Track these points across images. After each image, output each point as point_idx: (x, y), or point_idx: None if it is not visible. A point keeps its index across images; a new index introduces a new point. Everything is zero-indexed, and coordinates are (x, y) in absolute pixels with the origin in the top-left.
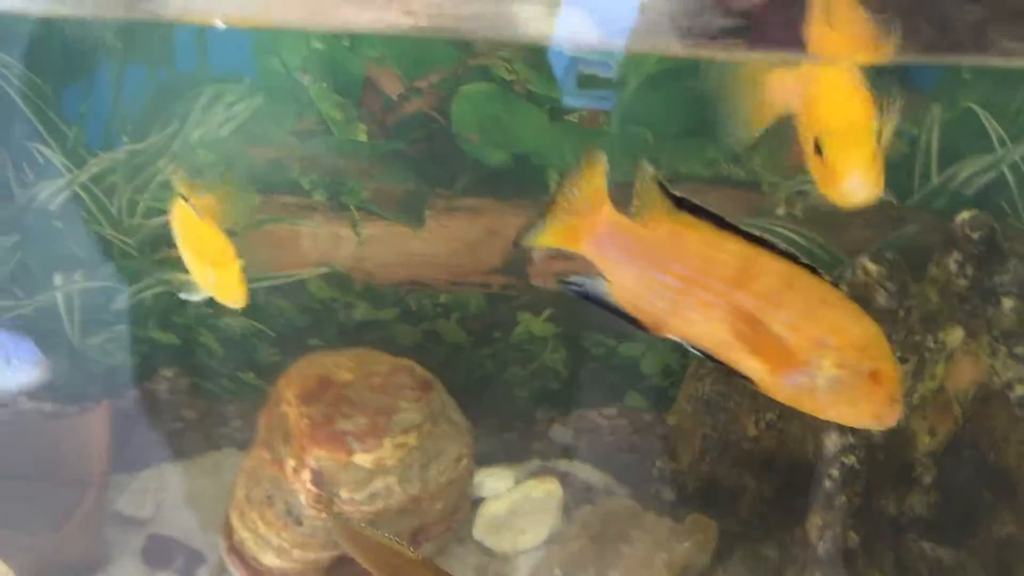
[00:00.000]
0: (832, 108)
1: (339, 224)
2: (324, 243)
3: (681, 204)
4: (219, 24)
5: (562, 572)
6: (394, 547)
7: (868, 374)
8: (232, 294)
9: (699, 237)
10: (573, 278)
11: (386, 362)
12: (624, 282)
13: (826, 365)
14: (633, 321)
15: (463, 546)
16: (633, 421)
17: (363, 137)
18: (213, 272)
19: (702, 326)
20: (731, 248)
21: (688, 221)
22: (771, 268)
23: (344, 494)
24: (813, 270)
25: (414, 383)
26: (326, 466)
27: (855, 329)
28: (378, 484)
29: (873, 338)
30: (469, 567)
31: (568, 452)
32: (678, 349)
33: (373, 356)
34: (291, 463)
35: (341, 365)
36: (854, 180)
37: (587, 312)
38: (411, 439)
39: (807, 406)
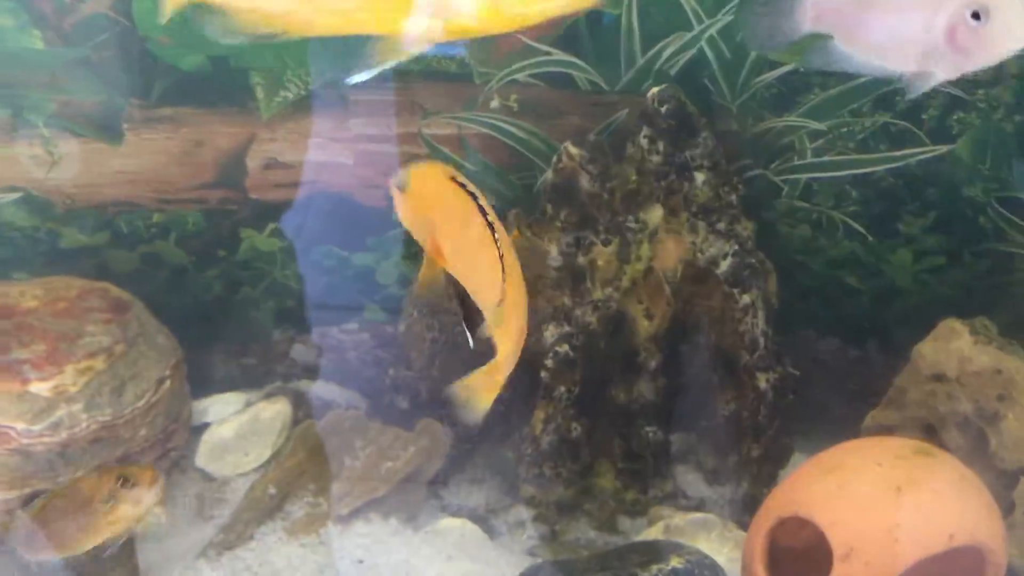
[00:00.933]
0: None
1: (28, 143)
2: (14, 165)
3: None
4: None
5: (276, 490)
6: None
7: None
8: None
9: None
10: None
11: (77, 287)
12: None
13: None
14: None
15: (184, 475)
16: (375, 334)
17: (39, 44)
18: None
19: None
20: None
21: None
22: None
23: (20, 425)
24: None
25: (106, 305)
26: None
27: None
28: (60, 412)
29: None
30: (190, 495)
31: (311, 372)
32: (410, 256)
33: (64, 282)
34: None
35: (27, 293)
36: None
37: (315, 224)
38: (98, 363)
39: None
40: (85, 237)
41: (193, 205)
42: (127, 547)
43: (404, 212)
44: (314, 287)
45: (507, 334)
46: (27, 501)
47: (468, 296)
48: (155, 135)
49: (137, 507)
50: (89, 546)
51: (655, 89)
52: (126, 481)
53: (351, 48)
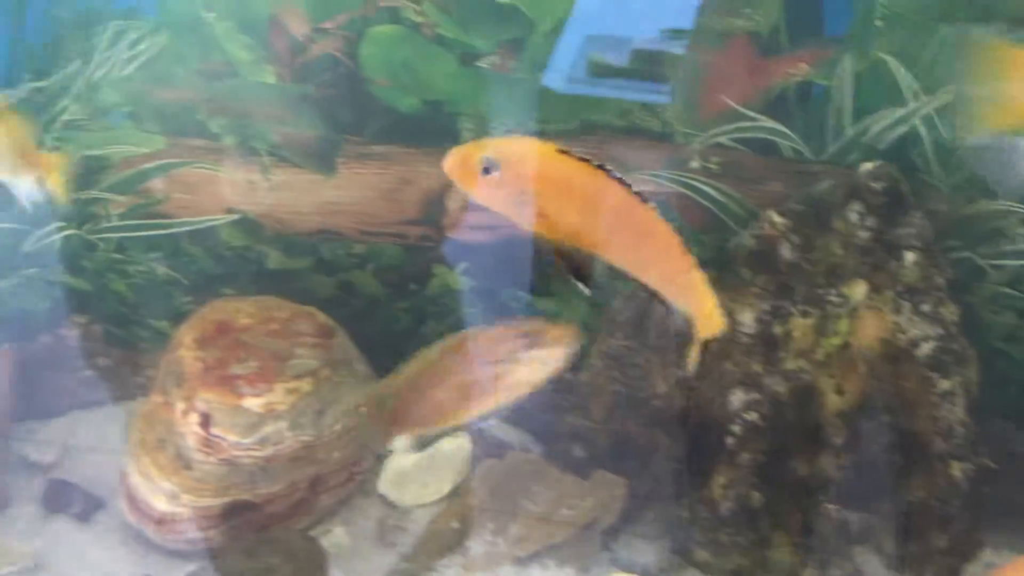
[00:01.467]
0: None
1: (249, 170)
2: (235, 189)
3: None
4: None
5: (459, 524)
6: None
7: None
8: None
9: None
10: None
11: (288, 309)
12: None
13: None
14: None
15: (367, 498)
16: (554, 380)
17: (271, 79)
18: None
19: None
20: None
21: None
22: None
23: (232, 438)
24: None
25: (314, 330)
26: (215, 409)
27: None
28: (268, 429)
29: None
30: (371, 519)
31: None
32: (593, 305)
33: (276, 303)
34: (181, 406)
35: (242, 311)
36: None
37: (503, 266)
38: (305, 385)
39: None
40: (290, 261)
41: (393, 239)
42: (320, 564)
43: (491, 194)
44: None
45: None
46: (225, 510)
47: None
48: (365, 170)
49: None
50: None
51: (869, 165)
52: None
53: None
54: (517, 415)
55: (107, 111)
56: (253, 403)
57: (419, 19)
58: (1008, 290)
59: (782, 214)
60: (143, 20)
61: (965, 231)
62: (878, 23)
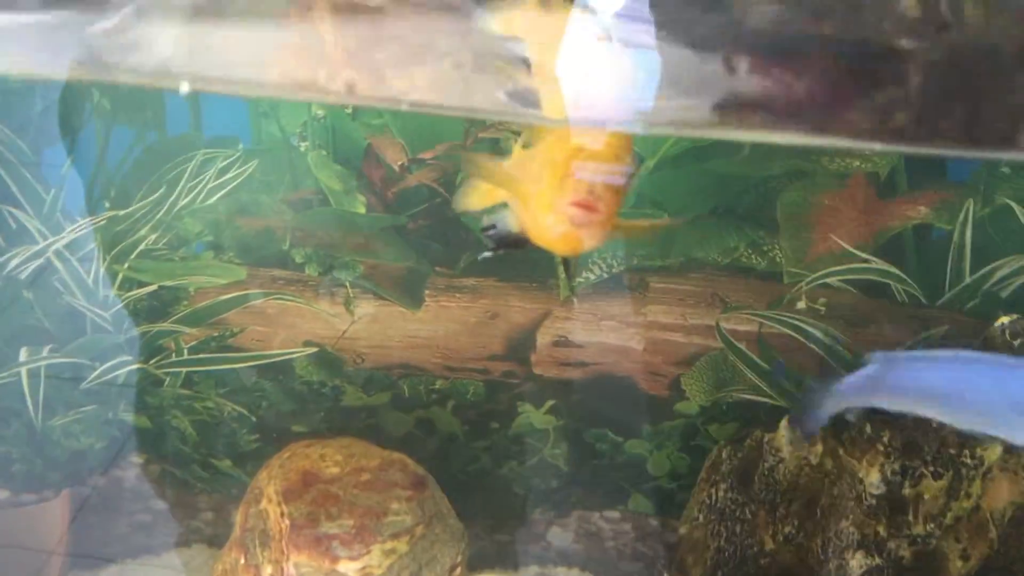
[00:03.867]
0: None
1: (331, 302)
2: (314, 321)
3: None
4: (184, 88)
5: None
6: None
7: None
8: None
9: None
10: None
11: (376, 455)
12: None
13: None
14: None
15: None
16: (638, 526)
17: (361, 209)
18: None
19: None
20: None
21: None
22: None
23: None
24: None
25: (406, 480)
26: (306, 574)
27: None
28: None
29: None
30: None
31: (567, 557)
32: (686, 450)
33: (362, 448)
34: (268, 570)
35: (328, 458)
36: None
37: (593, 405)
38: (402, 545)
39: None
40: (367, 397)
41: (476, 375)
42: None
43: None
44: (582, 469)
45: None
46: None
47: None
48: (453, 304)
49: None
50: None
51: (1006, 319)
52: None
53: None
54: (598, 564)
55: (188, 241)
56: (349, 567)
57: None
58: None
59: None
60: (233, 149)
61: None
62: (1004, 169)
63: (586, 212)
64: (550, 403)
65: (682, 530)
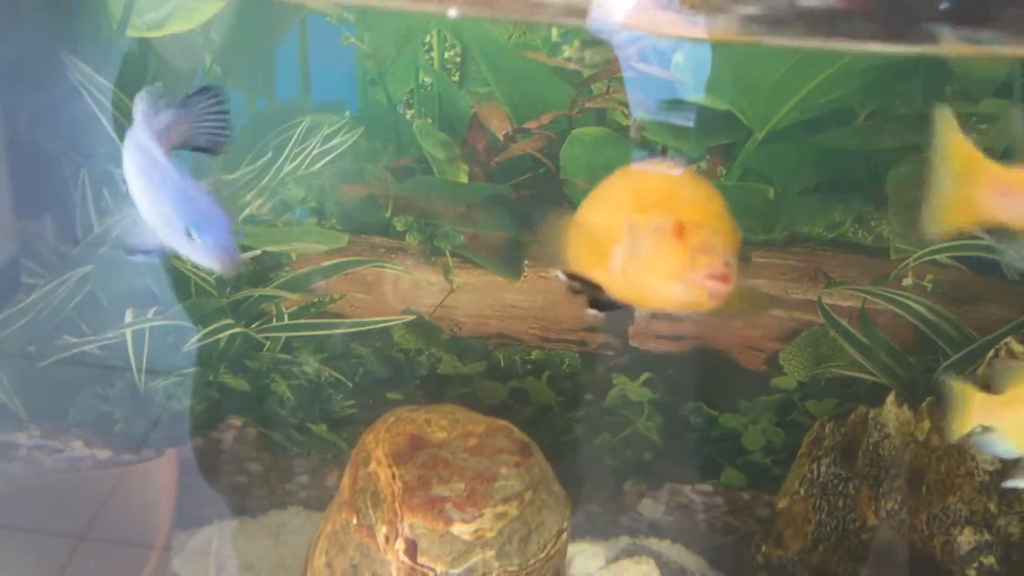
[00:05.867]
0: None
1: (431, 270)
2: (413, 289)
3: None
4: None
5: None
6: None
7: (670, 231)
8: None
9: None
10: None
11: (481, 421)
12: None
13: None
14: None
15: None
16: (729, 500)
17: (464, 178)
18: None
19: None
20: None
21: None
22: None
23: (441, 568)
24: None
25: (513, 446)
26: (421, 535)
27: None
28: (475, 558)
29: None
30: None
31: (657, 529)
32: (784, 425)
33: (465, 414)
34: (383, 530)
35: (433, 423)
36: None
37: (689, 378)
38: (512, 508)
39: (643, 295)
40: (462, 365)
41: (573, 346)
42: None
43: None
44: (675, 442)
45: None
46: None
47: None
48: (551, 275)
49: None
50: None
51: None
52: None
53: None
54: (689, 536)
55: (292, 207)
56: (463, 530)
57: (626, 122)
58: None
59: (1022, 342)
60: (339, 116)
61: None
62: None
63: (723, 284)
64: (646, 376)
65: (781, 504)
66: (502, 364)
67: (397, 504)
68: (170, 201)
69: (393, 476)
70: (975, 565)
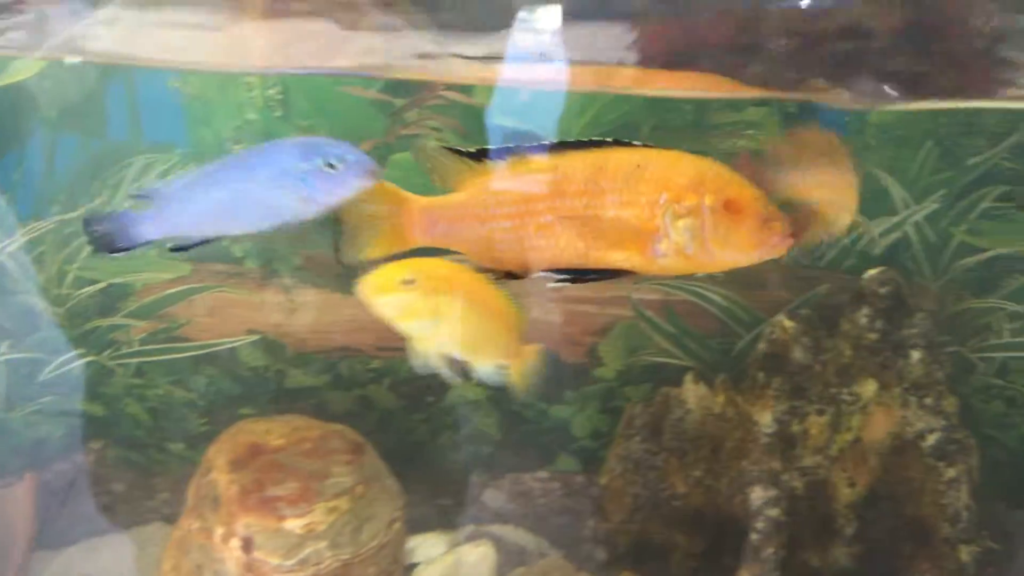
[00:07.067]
0: None
1: (272, 291)
2: (258, 310)
3: (478, 156)
4: (72, 59)
5: None
6: None
7: (722, 207)
8: None
9: (505, 173)
10: None
11: (317, 427)
12: (472, 248)
13: (671, 220)
14: (509, 275)
15: None
16: (565, 483)
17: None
18: None
19: (552, 246)
20: (534, 166)
21: (488, 168)
22: (572, 165)
23: (274, 560)
24: (620, 142)
25: (346, 447)
26: (256, 533)
27: (680, 175)
28: (308, 549)
29: (706, 172)
30: None
31: (501, 516)
32: (607, 411)
33: (305, 422)
34: (220, 531)
35: (272, 431)
36: None
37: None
38: (343, 503)
39: (697, 265)
40: (309, 379)
41: None
42: None
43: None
44: (513, 435)
45: None
46: None
47: None
48: None
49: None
50: None
51: (874, 272)
52: None
53: None
54: (531, 520)
55: None
56: (295, 524)
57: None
58: (997, 380)
59: (792, 318)
60: (170, 154)
61: (955, 328)
62: (871, 141)
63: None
64: None
65: (602, 481)
66: (345, 375)
67: (234, 506)
68: (288, 159)
69: (230, 481)
70: (762, 518)
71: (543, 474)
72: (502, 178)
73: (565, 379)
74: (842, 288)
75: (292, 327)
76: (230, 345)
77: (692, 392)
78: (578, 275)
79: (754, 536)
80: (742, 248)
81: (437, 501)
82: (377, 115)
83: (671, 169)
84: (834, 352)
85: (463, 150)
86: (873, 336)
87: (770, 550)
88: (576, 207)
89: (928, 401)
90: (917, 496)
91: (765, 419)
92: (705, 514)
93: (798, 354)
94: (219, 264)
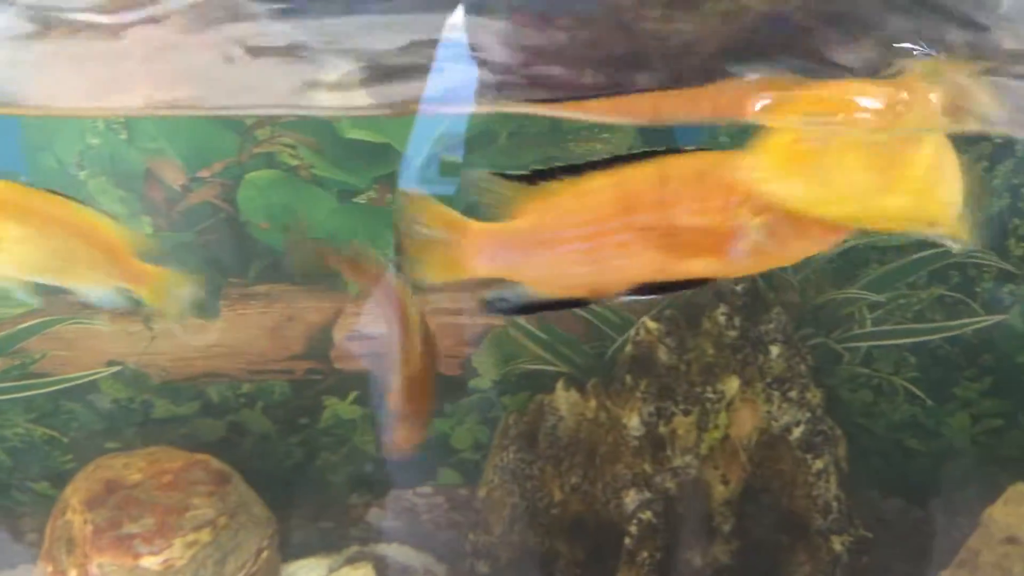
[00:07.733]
0: None
1: (129, 320)
2: (116, 341)
3: (532, 179)
4: None
5: None
6: None
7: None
8: None
9: (567, 194)
10: (493, 295)
11: (180, 458)
12: (538, 275)
13: (748, 218)
14: (577, 303)
15: None
16: (450, 498)
17: (148, 230)
18: None
19: (632, 264)
20: (597, 184)
21: (546, 190)
22: (637, 178)
23: None
24: (673, 151)
25: (208, 477)
26: (111, 572)
27: (746, 173)
28: None
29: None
30: None
31: (386, 535)
32: (487, 422)
33: (167, 453)
34: (73, 573)
35: (131, 466)
36: None
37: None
38: (204, 535)
39: (777, 259)
40: (176, 408)
41: (281, 375)
42: None
43: None
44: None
45: None
46: None
47: None
48: (249, 310)
49: None
50: None
51: None
52: None
53: None
54: (417, 537)
55: None
56: (152, 561)
57: (295, 162)
58: (862, 369)
59: (656, 320)
60: (17, 181)
61: (818, 319)
62: (723, 139)
63: None
64: (354, 394)
65: (481, 493)
66: (215, 401)
67: (87, 546)
68: None
69: (85, 521)
70: (635, 522)
71: (426, 489)
72: (568, 199)
73: (443, 391)
74: (709, 289)
75: (153, 356)
76: (91, 377)
77: (564, 399)
78: (658, 289)
79: (628, 540)
80: (814, 236)
81: (319, 524)
82: (227, 133)
83: (734, 169)
84: (698, 351)
85: (514, 174)
86: (733, 334)
87: (645, 553)
88: (651, 221)
89: (792, 394)
90: (790, 489)
91: (633, 422)
92: (584, 521)
93: (663, 355)
94: (72, 295)
